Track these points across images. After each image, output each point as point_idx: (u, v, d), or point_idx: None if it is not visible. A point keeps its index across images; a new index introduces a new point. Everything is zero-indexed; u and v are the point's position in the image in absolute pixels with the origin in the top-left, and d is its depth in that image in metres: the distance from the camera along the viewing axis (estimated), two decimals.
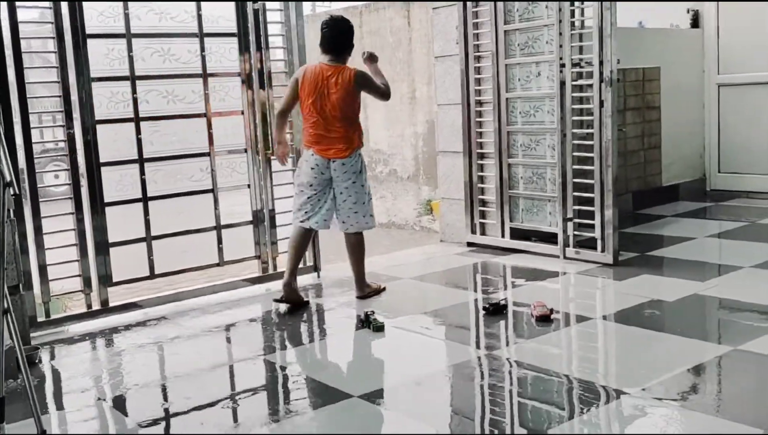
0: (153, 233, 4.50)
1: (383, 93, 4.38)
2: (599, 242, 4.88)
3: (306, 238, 4.46)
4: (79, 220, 4.26)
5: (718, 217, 6.22)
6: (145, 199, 4.47)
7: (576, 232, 5.03)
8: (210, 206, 4.70)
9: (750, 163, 6.89)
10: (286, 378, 3.41)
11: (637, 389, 2.92)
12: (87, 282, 4.30)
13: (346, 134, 4.29)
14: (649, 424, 2.68)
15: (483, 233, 5.62)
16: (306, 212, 4.36)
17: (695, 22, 7.11)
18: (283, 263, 4.89)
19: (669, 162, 6.81)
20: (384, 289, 4.63)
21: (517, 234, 5.42)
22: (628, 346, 3.53)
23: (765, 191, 6.76)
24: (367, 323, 3.89)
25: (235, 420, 2.98)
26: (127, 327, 4.16)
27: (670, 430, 2.65)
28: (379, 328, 3.84)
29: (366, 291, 4.50)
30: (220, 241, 4.73)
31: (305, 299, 4.45)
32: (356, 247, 4.45)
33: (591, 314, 3.98)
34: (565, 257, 5.04)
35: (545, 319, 3.80)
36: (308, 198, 4.34)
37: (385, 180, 8.44)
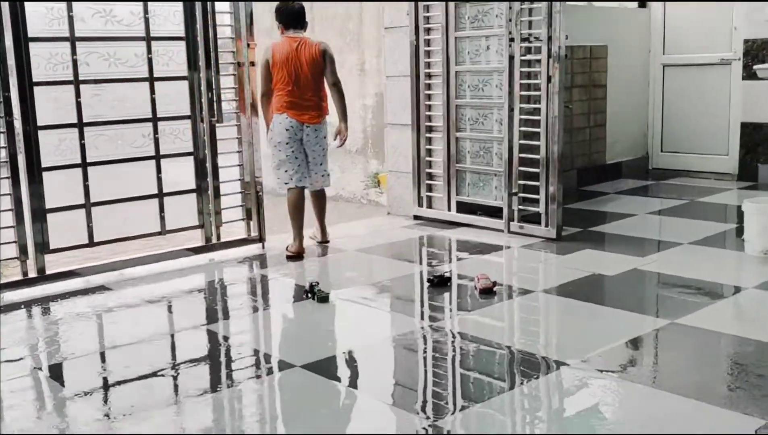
0: (93, 200, 4.39)
1: (337, 81, 4.79)
2: (543, 217, 4.93)
3: (302, 198, 4.84)
4: (15, 186, 4.12)
5: (659, 195, 6.33)
6: (84, 165, 4.34)
7: (521, 207, 5.07)
8: (152, 174, 4.60)
9: (691, 142, 7.03)
10: (228, 348, 3.37)
11: (577, 361, 2.96)
12: (23, 249, 4.17)
13: (318, 102, 4.77)
14: (588, 395, 2.73)
15: (429, 206, 5.63)
16: (295, 172, 4.75)
17: (643, 2, 7.20)
18: (227, 234, 4.92)
19: (613, 140, 6.90)
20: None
21: (464, 208, 5.44)
22: (569, 318, 3.57)
23: (705, 171, 6.91)
24: (312, 294, 3.87)
25: (176, 390, 2.94)
26: (65, 296, 4.06)
27: (608, 401, 2.69)
28: (324, 299, 3.82)
29: (328, 238, 5.10)
30: (162, 209, 4.63)
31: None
32: (322, 200, 5.02)
33: (533, 287, 4.02)
34: (509, 231, 5.08)
35: (488, 292, 3.83)
36: (287, 156, 4.73)
37: (333, 153, 8.35)
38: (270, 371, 3.04)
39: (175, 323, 3.73)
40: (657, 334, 3.28)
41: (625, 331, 3.31)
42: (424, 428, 2.51)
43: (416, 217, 5.66)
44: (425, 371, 3.07)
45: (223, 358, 3.29)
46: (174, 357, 3.28)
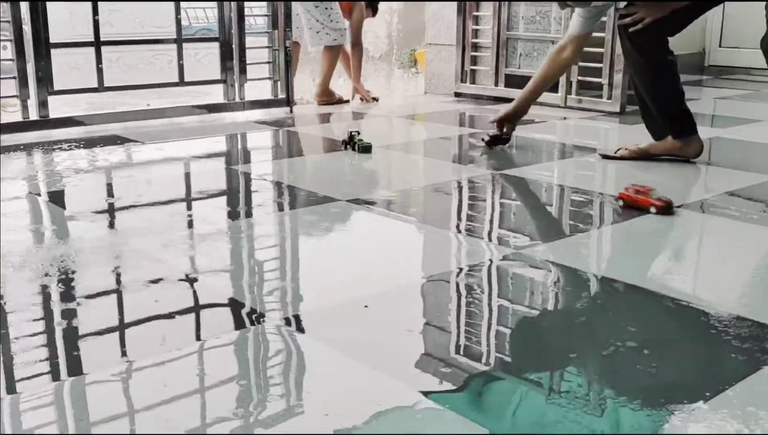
0: (103, 39, 3.87)
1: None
2: (606, 88, 4.41)
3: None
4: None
5: (722, 87, 5.79)
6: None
7: (580, 78, 4.54)
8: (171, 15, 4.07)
9: (754, 37, 6.42)
10: (262, 184, 2.89)
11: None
12: (23, 84, 3.67)
13: None
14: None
15: (473, 82, 5.09)
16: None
17: None
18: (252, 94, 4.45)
19: None
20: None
21: (514, 82, 4.90)
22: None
23: (765, 68, 6.33)
24: (352, 144, 3.38)
25: (190, 216, 2.48)
26: (68, 143, 3.57)
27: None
28: (366, 149, 3.33)
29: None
30: (180, 56, 4.11)
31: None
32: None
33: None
34: (566, 105, 4.56)
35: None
36: None
37: None
38: (313, 202, 2.57)
39: (201, 165, 3.25)
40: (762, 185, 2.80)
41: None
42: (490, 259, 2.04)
43: (457, 95, 5.13)
44: (491, 207, 2.60)
45: (245, 191, 2.82)
46: (191, 190, 2.81)
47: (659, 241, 2.21)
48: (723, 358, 1.46)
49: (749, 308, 1.68)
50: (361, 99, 4.95)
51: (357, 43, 4.92)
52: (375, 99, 4.99)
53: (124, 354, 1.46)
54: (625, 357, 1.45)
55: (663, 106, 3.04)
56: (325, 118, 4.40)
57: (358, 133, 3.39)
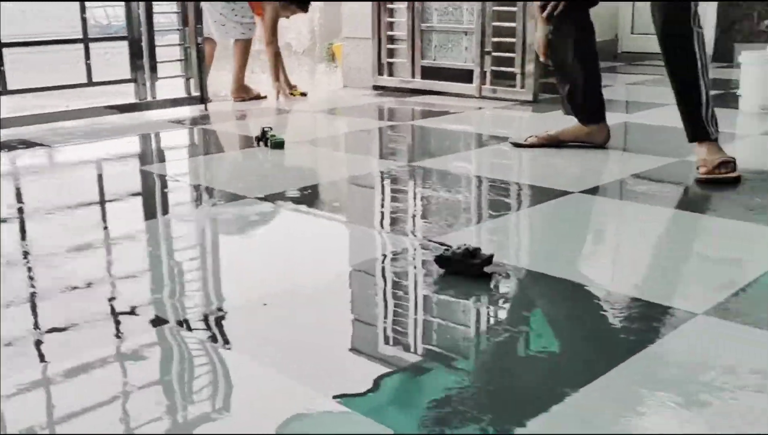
0: (4, 41, 3.74)
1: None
2: (519, 77, 4.47)
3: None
4: None
5: (634, 72, 5.93)
6: None
7: (494, 68, 4.60)
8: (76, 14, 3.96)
9: None
10: (174, 184, 2.84)
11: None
12: None
13: None
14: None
15: (391, 75, 5.10)
16: None
17: None
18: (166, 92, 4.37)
19: None
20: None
21: (430, 74, 4.93)
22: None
23: None
24: (265, 140, 3.34)
25: (99, 220, 2.42)
26: None
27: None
28: (278, 144, 3.30)
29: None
30: (87, 56, 4.00)
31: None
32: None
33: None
34: (481, 96, 4.61)
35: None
36: None
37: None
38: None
39: (112, 167, 3.17)
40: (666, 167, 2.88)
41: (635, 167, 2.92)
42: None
43: (376, 88, 5.14)
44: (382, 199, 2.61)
45: (161, 192, 2.77)
46: (103, 193, 2.75)
47: (565, 225, 2.25)
48: (612, 337, 1.50)
49: (642, 289, 1.73)
50: (281, 95, 4.88)
51: (269, 42, 4.84)
52: (303, 94, 4.94)
53: (33, 360, 1.41)
54: (520, 342, 1.48)
55: (590, 89, 3.09)
56: (241, 115, 4.35)
57: (271, 129, 3.36)
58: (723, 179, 2.56)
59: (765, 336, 1.47)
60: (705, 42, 2.71)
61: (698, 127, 2.67)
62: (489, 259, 1.80)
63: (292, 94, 4.87)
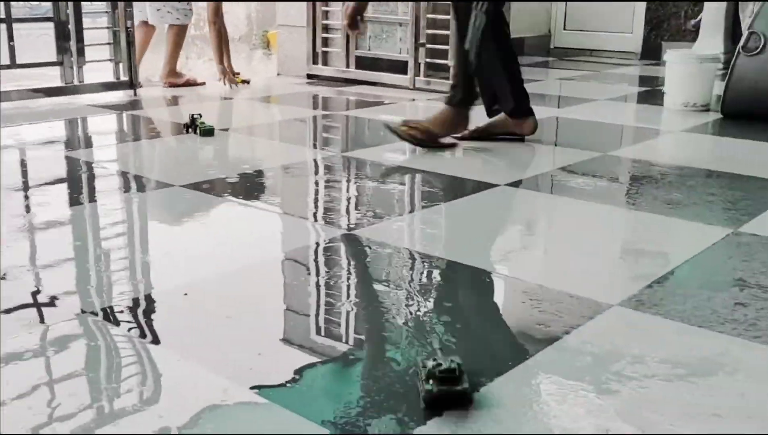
0: None
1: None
2: (452, 70, 4.50)
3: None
4: None
5: (565, 68, 6.03)
6: None
7: (428, 60, 4.62)
8: None
9: (595, 20, 6.75)
10: (100, 171, 2.77)
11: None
12: None
13: None
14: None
15: (326, 64, 5.08)
16: None
17: None
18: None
19: (515, 15, 6.51)
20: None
21: (364, 64, 4.93)
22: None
23: (608, 49, 6.67)
24: (194, 127, 3.30)
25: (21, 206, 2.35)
26: None
27: None
28: (208, 132, 3.26)
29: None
30: (11, 37, 3.88)
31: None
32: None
33: None
34: (414, 87, 4.63)
35: None
36: None
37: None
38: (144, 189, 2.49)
39: (36, 151, 3.08)
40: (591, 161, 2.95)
41: (559, 162, 2.97)
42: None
43: (310, 76, 5.11)
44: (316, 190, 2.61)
45: (81, 179, 2.71)
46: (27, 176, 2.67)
47: (490, 218, 2.28)
48: (529, 328, 1.53)
49: (561, 280, 1.76)
50: (226, 79, 4.76)
51: (212, 22, 4.72)
52: (245, 81, 4.86)
53: None
54: (441, 331, 1.49)
55: (507, 82, 3.12)
56: (172, 101, 4.28)
57: (200, 116, 3.32)
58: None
59: (675, 327, 1.52)
60: (480, 26, 2.90)
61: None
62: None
63: (235, 81, 4.78)
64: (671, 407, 1.23)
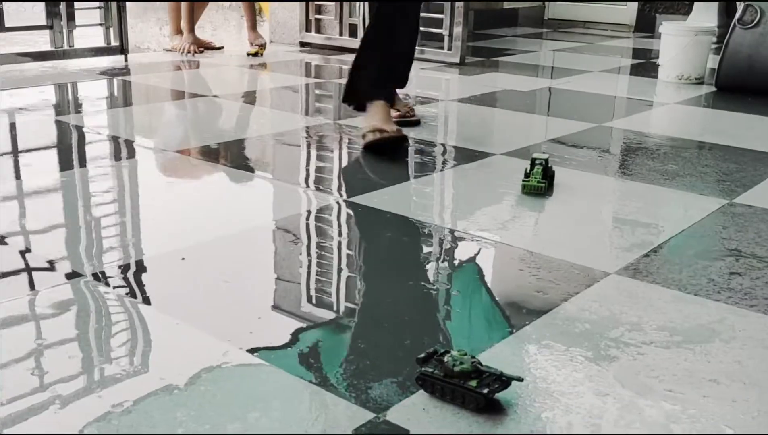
0: None
1: None
2: (447, 39, 4.47)
3: None
4: None
5: (559, 39, 6.01)
6: None
7: (422, 29, 4.58)
8: None
9: None
10: (91, 136, 2.75)
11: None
12: None
13: None
14: None
15: (318, 31, 5.04)
16: None
17: None
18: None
19: None
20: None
21: (357, 31, 4.89)
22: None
23: (602, 21, 6.64)
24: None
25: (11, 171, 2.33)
26: None
27: None
28: None
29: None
30: None
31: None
32: None
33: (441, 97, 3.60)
34: None
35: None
36: None
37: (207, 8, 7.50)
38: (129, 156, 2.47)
39: (24, 116, 3.05)
40: (585, 132, 2.94)
41: (551, 134, 2.96)
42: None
43: (303, 44, 5.07)
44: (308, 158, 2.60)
45: (71, 143, 2.68)
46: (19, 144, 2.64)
47: (485, 186, 2.28)
48: (529, 295, 1.53)
49: (560, 249, 1.77)
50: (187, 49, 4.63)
51: None
52: (217, 48, 4.83)
53: None
54: (436, 298, 1.50)
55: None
56: (162, 67, 4.24)
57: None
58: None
59: (672, 295, 1.53)
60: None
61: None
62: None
63: (200, 50, 4.66)
64: (669, 373, 1.24)
